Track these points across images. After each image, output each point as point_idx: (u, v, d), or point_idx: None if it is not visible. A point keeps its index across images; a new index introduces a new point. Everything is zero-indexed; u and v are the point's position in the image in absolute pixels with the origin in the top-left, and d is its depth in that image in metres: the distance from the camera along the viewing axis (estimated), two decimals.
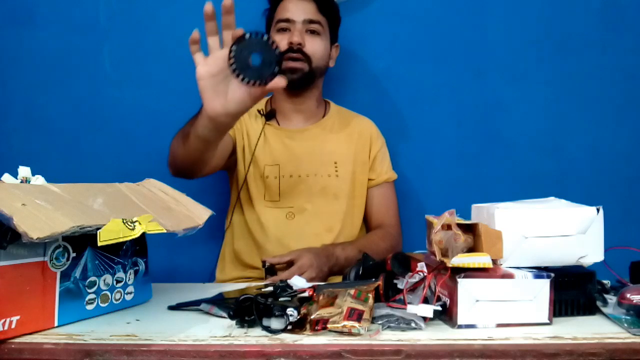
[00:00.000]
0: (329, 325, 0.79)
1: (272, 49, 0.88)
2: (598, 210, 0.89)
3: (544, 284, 0.84)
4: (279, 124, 1.50)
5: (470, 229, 0.89)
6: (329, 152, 1.47)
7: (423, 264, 0.90)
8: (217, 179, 1.63)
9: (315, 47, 1.44)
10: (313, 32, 1.44)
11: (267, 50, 0.88)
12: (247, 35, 0.87)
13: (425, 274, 0.89)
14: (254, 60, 0.88)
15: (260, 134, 1.46)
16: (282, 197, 1.43)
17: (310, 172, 1.45)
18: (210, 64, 0.94)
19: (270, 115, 1.49)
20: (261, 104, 1.53)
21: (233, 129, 1.45)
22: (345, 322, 0.78)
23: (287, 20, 1.43)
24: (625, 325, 0.82)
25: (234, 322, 0.85)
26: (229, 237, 1.50)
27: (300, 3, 1.45)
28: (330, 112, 1.55)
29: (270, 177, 1.44)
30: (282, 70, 1.25)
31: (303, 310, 0.85)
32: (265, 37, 0.87)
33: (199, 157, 1.19)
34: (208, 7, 0.92)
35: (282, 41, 1.43)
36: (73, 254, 0.86)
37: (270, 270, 1.24)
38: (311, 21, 1.44)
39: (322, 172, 1.45)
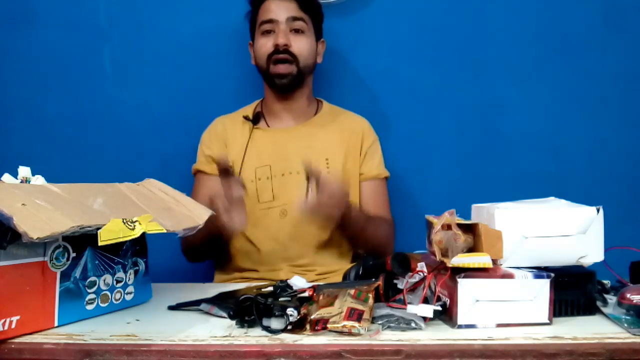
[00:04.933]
0: (329, 325, 0.79)
1: None
2: (598, 210, 0.89)
3: (544, 284, 0.84)
4: (268, 125, 1.51)
5: (470, 229, 0.89)
6: (320, 148, 1.47)
7: (423, 264, 0.90)
8: None
9: (302, 46, 1.44)
10: (297, 31, 1.44)
11: None
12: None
13: (425, 274, 0.89)
14: None
15: (248, 140, 1.47)
16: (276, 197, 1.43)
17: (301, 168, 1.44)
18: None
19: (256, 119, 1.50)
20: (247, 111, 1.53)
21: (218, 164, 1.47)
22: (345, 322, 0.78)
23: (271, 21, 1.44)
24: (625, 325, 0.83)
25: (234, 322, 0.85)
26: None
27: (281, 3, 1.45)
28: (322, 111, 1.55)
29: (263, 179, 1.44)
30: (271, 76, 1.45)
31: (303, 310, 0.85)
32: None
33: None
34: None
35: (267, 43, 1.43)
36: (73, 254, 0.86)
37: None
38: (295, 18, 1.44)
39: None
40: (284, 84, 1.44)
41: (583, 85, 1.66)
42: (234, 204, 1.20)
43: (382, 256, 0.99)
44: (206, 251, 1.48)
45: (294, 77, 1.44)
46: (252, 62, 1.51)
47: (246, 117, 1.50)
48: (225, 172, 1.21)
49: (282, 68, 1.42)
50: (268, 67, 1.44)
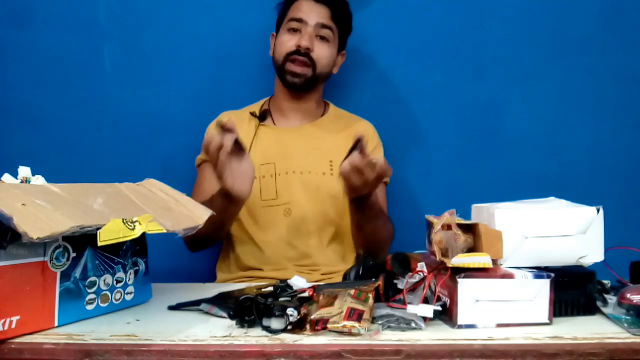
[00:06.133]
0: (329, 325, 0.79)
1: None
2: (598, 210, 0.89)
3: (544, 284, 0.84)
4: (274, 123, 1.51)
5: (470, 229, 0.89)
6: (325, 150, 1.48)
7: (423, 264, 0.90)
8: None
9: (322, 53, 1.45)
10: (322, 38, 1.45)
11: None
12: None
13: (425, 274, 0.89)
14: None
15: (254, 136, 1.47)
16: (279, 195, 1.43)
17: (304, 169, 1.45)
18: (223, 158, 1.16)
19: (263, 116, 1.50)
20: (254, 107, 1.53)
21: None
22: (345, 322, 0.78)
23: (300, 21, 1.44)
24: (625, 325, 0.83)
25: (234, 322, 0.85)
26: (227, 243, 1.49)
27: (315, 6, 1.45)
28: (329, 113, 1.56)
29: (267, 177, 1.44)
30: (285, 72, 1.44)
31: (303, 310, 0.85)
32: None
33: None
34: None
35: (290, 41, 1.44)
36: (73, 254, 0.86)
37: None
38: (323, 26, 1.45)
39: (317, 169, 1.45)
40: (295, 83, 1.44)
41: (583, 85, 1.66)
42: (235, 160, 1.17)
43: (379, 255, 0.99)
44: (213, 232, 1.38)
45: (307, 80, 1.45)
46: (270, 53, 1.52)
47: (252, 114, 1.50)
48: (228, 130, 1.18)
49: (298, 68, 1.43)
50: (284, 64, 1.44)
